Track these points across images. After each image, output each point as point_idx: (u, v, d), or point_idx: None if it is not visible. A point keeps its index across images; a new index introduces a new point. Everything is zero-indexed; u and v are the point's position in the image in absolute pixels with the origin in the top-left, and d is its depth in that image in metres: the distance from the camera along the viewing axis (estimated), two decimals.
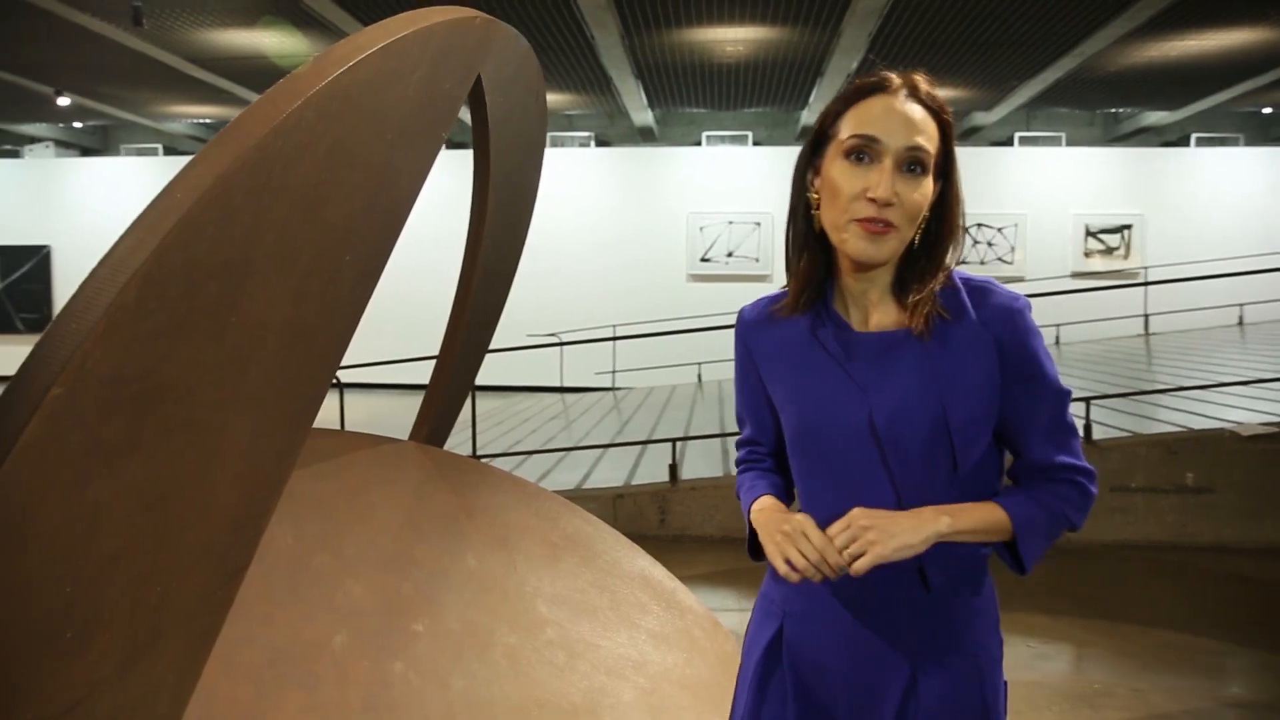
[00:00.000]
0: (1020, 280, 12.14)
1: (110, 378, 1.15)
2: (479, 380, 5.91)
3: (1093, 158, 12.72)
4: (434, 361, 3.11)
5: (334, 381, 6.58)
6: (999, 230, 12.48)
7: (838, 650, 1.14)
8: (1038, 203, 12.48)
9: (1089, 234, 12.42)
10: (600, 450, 6.19)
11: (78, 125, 14.81)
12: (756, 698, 1.19)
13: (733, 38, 9.18)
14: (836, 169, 1.10)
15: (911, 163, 1.08)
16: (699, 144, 13.79)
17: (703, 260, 12.96)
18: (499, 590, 2.72)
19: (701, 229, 12.90)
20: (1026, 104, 12.15)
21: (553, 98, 12.09)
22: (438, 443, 3.34)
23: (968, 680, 1.12)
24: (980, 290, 1.16)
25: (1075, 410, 5.42)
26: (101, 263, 1.11)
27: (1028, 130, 13.52)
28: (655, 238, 12.85)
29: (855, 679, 1.13)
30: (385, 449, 3.00)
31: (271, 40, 9.11)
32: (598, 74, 10.60)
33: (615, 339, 9.31)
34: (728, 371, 9.69)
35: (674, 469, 5.13)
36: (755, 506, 1.21)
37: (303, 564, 2.50)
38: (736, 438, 1.38)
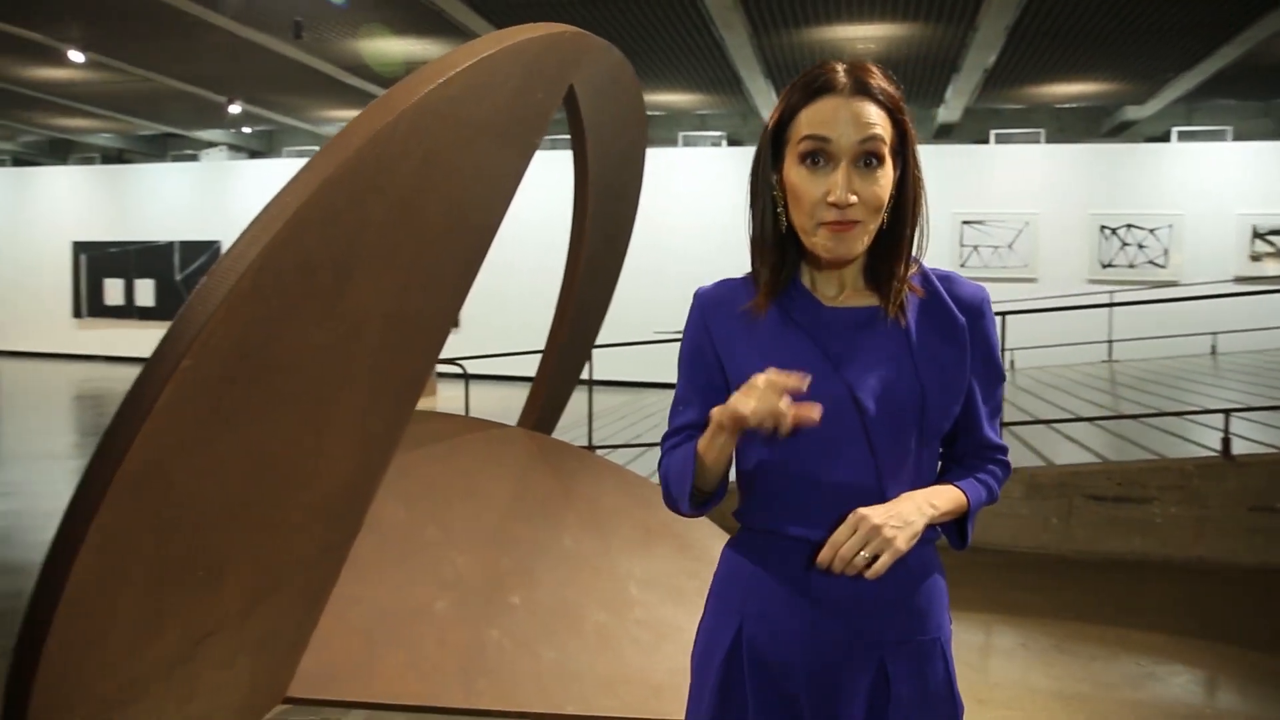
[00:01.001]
0: (1174, 284, 11.41)
1: (231, 353, 1.35)
2: (605, 375, 6.06)
3: (1263, 153, 11.76)
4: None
5: (460, 372, 6.92)
6: (1151, 232, 11.74)
7: (803, 647, 1.13)
8: (1197, 202, 11.64)
9: (1256, 235, 11.50)
10: None
11: (246, 130, 16.05)
12: (719, 703, 1.18)
13: (863, 35, 9.05)
14: (795, 174, 1.11)
15: (866, 156, 1.09)
16: None
17: None
18: (592, 570, 2.87)
19: None
20: (1185, 96, 11.37)
21: (683, 98, 12.23)
22: (545, 429, 3.53)
23: (933, 660, 1.14)
24: (947, 279, 1.18)
25: (1214, 422, 5.13)
26: (224, 256, 1.31)
27: (1188, 125, 12.65)
28: None
29: (822, 674, 1.12)
30: (494, 433, 3.21)
31: (419, 49, 9.66)
32: (727, 74, 10.65)
33: None
34: None
35: None
36: (705, 444, 1.13)
37: (413, 536, 2.73)
38: (671, 422, 1.28)
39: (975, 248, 12.10)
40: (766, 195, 1.16)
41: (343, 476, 1.97)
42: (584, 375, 4.19)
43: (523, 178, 2.06)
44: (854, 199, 1.08)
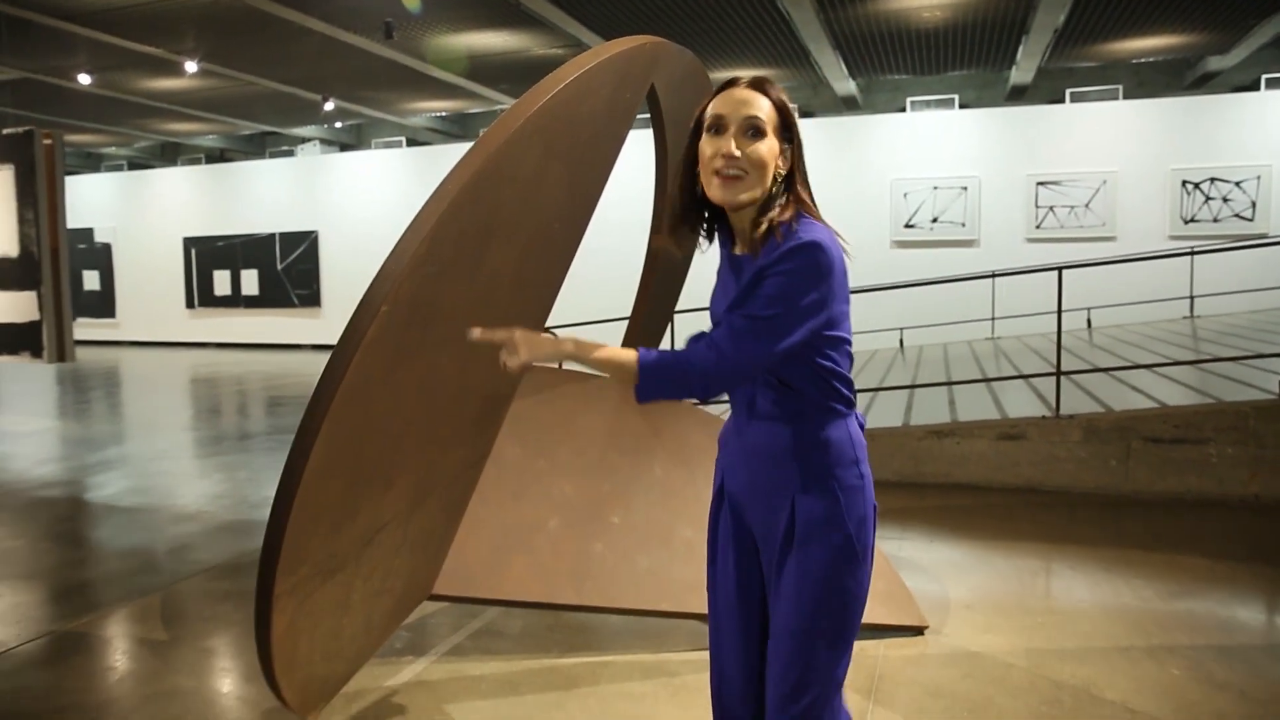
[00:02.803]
0: (1263, 237, 11.20)
1: (411, 302, 1.84)
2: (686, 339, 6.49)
3: None
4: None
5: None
6: (1237, 184, 11.51)
7: (747, 487, 1.60)
8: None
9: None
10: None
11: (338, 125, 16.95)
12: (713, 534, 1.70)
13: (929, 3, 9.19)
14: (702, 142, 1.53)
15: (750, 129, 1.48)
16: (904, 110, 13.69)
17: (907, 226, 12.93)
18: (680, 496, 3.33)
19: (905, 195, 12.86)
20: (1273, 42, 11.10)
21: (752, 72, 12.49)
22: None
23: (827, 499, 1.52)
24: (802, 230, 1.47)
25: (1275, 366, 5.24)
26: (408, 230, 1.79)
27: (1279, 72, 12.32)
28: (859, 206, 12.93)
29: (762, 504, 1.57)
30: (591, 383, 3.69)
31: (498, 41, 10.19)
32: (795, 48, 10.88)
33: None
34: (930, 336, 9.77)
35: None
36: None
37: (527, 468, 3.23)
38: None
39: (1050, 209, 12.08)
40: (689, 169, 1.57)
41: (480, 405, 2.47)
42: (664, 343, 4.61)
43: (616, 161, 2.51)
44: (738, 154, 1.48)
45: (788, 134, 1.54)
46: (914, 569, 3.79)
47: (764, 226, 1.48)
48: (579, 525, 3.11)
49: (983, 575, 3.73)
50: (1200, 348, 7.75)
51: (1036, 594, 3.51)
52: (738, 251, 1.59)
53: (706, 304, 1.69)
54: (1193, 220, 11.69)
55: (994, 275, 8.16)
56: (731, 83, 1.55)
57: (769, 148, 1.51)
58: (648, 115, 3.04)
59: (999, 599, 3.44)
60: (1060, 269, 5.16)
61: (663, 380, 1.47)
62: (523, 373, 1.54)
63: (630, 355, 1.47)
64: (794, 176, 1.55)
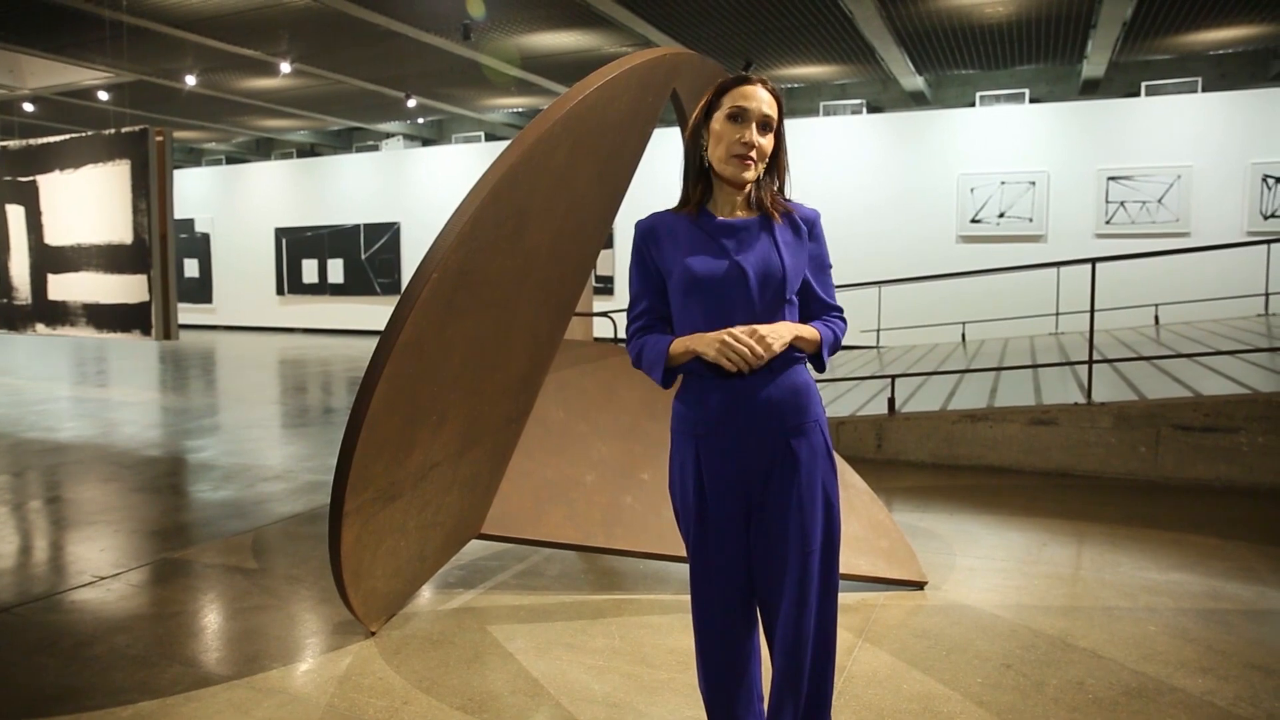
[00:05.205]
0: None
1: (458, 270, 2.23)
2: None
3: None
4: None
5: (611, 337, 7.80)
6: None
7: (742, 439, 1.76)
8: None
9: None
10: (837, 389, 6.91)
11: (420, 121, 17.68)
12: (697, 501, 1.81)
13: None
14: (721, 125, 1.78)
15: (763, 124, 1.77)
16: (973, 105, 13.66)
17: (973, 221, 12.94)
18: None
19: (972, 190, 12.86)
20: None
21: (819, 70, 12.67)
22: None
23: (814, 434, 1.80)
24: (797, 206, 1.85)
25: None
26: (456, 211, 2.18)
27: None
28: (924, 200, 12.99)
29: (757, 452, 1.76)
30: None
31: (570, 41, 10.63)
32: (860, 45, 11.03)
33: (880, 283, 9.76)
34: (993, 331, 9.93)
35: (892, 402, 5.77)
36: (675, 345, 1.77)
37: (569, 429, 3.62)
38: (631, 314, 1.88)
39: (1121, 204, 11.95)
40: (698, 143, 1.84)
41: (521, 365, 2.86)
42: None
43: (642, 156, 2.86)
44: (755, 144, 1.78)
45: (779, 125, 1.84)
46: (929, 537, 4.05)
47: (772, 192, 1.83)
48: (612, 480, 3.48)
49: (993, 544, 3.97)
50: (1268, 344, 7.70)
51: (1040, 561, 3.75)
52: (724, 215, 1.83)
53: None
54: (1273, 216, 11.43)
55: (1012, 269, 8.28)
56: (744, 79, 1.81)
57: (771, 140, 1.81)
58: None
59: (1003, 564, 3.69)
60: (1094, 261, 5.32)
61: (829, 349, 1.87)
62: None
63: (815, 331, 1.83)
64: (779, 157, 1.84)
